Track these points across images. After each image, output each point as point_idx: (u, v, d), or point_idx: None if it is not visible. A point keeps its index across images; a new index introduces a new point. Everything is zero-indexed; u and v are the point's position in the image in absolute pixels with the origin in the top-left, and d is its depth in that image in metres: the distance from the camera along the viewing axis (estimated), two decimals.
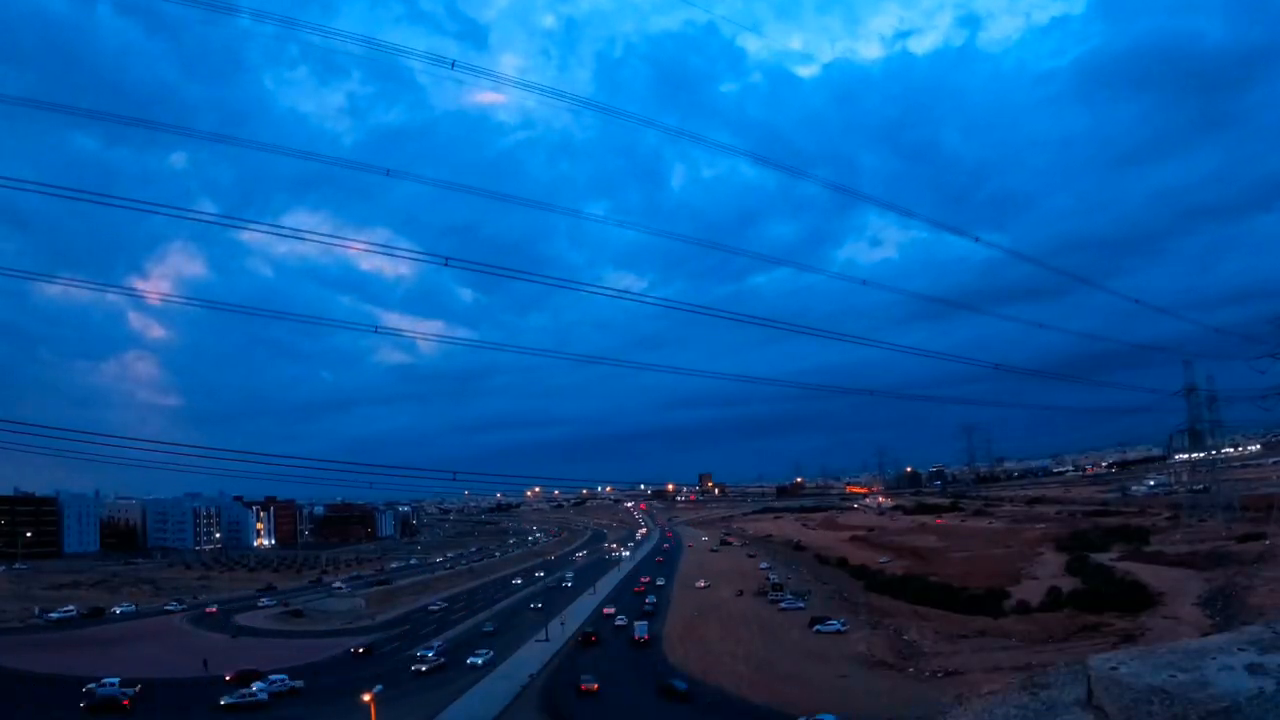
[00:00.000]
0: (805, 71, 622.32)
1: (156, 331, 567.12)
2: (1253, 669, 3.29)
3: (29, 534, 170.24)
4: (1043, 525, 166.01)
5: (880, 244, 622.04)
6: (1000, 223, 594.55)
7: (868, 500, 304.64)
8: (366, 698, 46.58)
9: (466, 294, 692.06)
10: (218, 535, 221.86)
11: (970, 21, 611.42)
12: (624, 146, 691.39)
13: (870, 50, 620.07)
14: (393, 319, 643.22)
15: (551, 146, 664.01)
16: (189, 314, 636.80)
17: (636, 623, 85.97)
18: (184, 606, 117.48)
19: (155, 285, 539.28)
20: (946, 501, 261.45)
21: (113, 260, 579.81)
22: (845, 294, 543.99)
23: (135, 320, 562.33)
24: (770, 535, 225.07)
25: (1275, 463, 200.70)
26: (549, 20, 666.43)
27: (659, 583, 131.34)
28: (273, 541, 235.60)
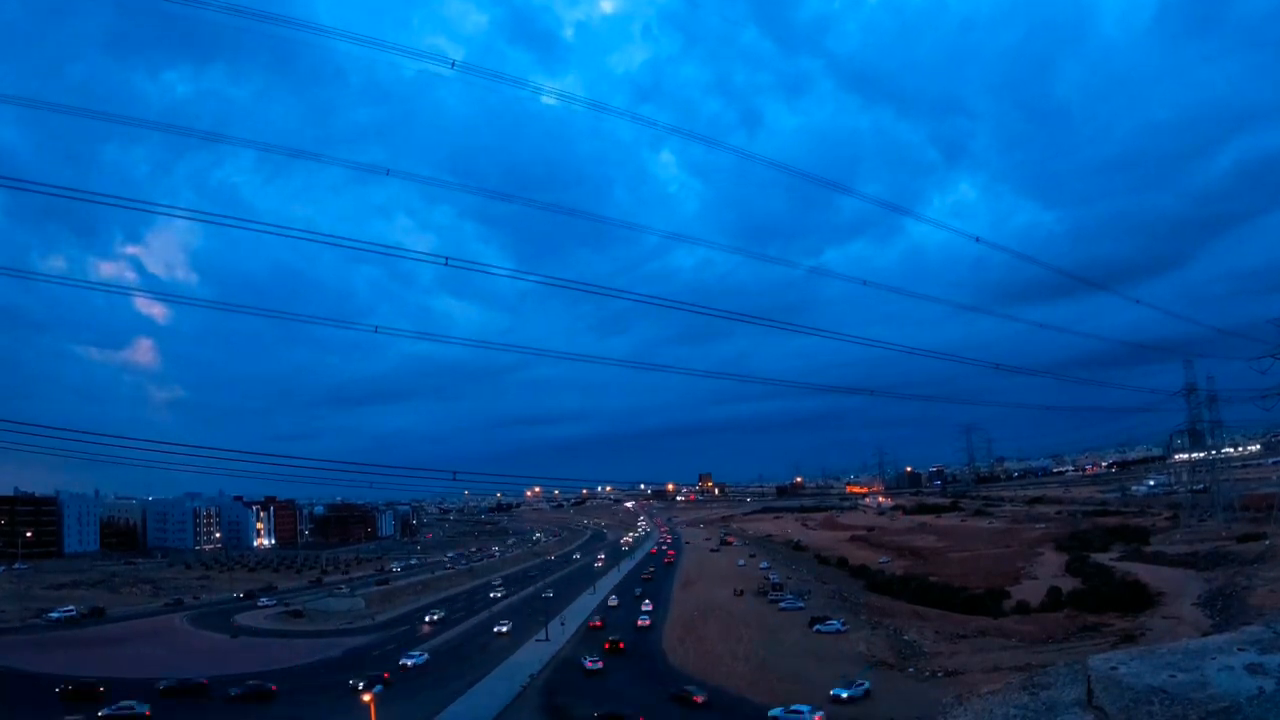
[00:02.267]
0: None
1: (160, 312, 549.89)
2: (1253, 669, 3.29)
3: (29, 534, 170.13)
4: (1043, 525, 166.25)
5: (961, 214, 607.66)
6: (1102, 187, 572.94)
7: (868, 500, 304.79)
8: (366, 698, 46.57)
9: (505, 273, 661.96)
10: (218, 535, 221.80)
11: None
12: (714, 83, 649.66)
13: None
14: (422, 299, 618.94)
15: (635, 85, 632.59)
16: (195, 294, 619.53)
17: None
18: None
19: (157, 254, 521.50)
20: (946, 501, 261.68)
21: (111, 222, 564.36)
22: (915, 271, 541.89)
23: (140, 302, 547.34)
24: (770, 535, 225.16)
25: (1275, 463, 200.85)
26: None
27: (658, 581, 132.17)
28: (273, 541, 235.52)
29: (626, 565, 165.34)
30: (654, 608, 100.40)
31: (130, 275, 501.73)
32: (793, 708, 51.07)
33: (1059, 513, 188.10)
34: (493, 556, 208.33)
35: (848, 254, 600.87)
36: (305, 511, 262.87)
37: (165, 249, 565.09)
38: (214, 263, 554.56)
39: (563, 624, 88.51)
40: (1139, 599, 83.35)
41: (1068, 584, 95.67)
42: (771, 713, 51.04)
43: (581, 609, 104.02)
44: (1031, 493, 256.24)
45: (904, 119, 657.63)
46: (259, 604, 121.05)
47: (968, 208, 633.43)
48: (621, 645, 75.48)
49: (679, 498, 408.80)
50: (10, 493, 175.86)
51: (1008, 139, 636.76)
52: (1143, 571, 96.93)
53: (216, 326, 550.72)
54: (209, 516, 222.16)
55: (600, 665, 67.57)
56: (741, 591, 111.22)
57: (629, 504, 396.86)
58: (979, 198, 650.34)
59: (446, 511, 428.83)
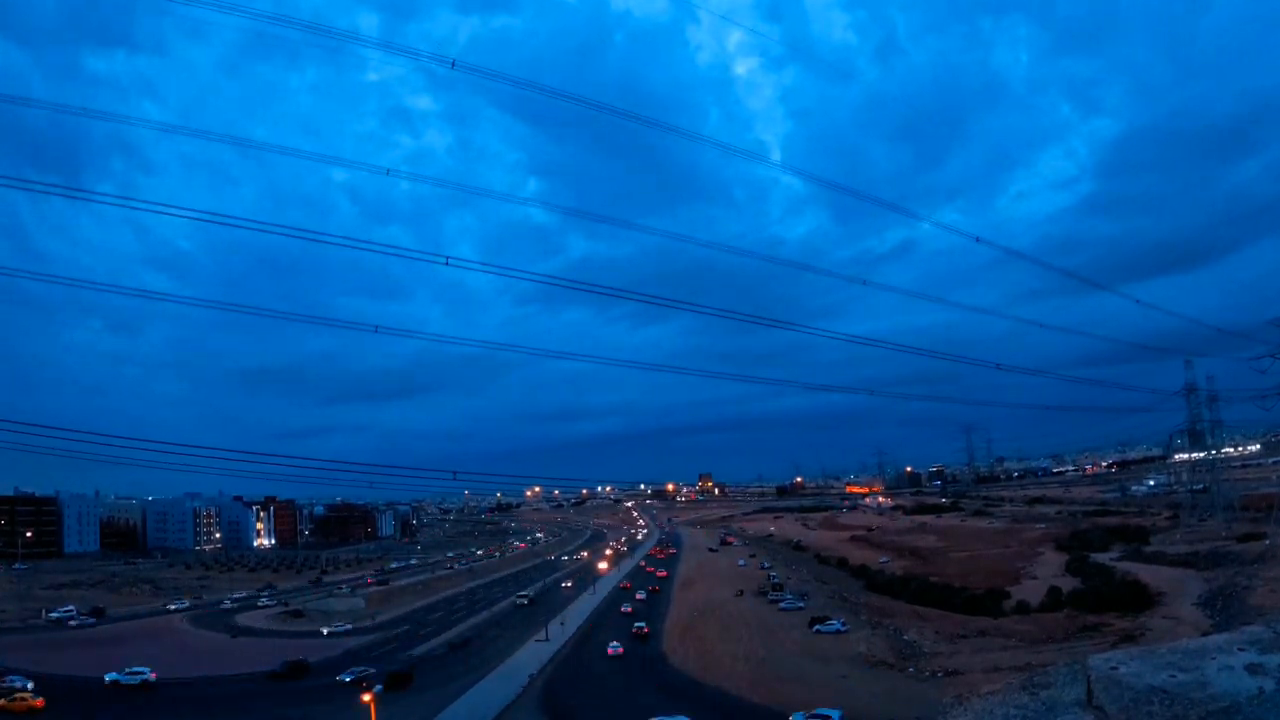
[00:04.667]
0: None
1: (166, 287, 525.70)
2: (1253, 669, 3.29)
3: (29, 534, 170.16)
4: (1043, 525, 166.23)
5: (1066, 175, 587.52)
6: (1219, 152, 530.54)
7: (868, 500, 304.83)
8: (366, 698, 46.40)
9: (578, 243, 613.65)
10: (218, 535, 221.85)
11: None
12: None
13: None
14: (455, 272, 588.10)
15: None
16: (199, 259, 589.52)
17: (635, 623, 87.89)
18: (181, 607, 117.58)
19: (155, 213, 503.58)
20: (946, 501, 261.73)
21: (105, 172, 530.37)
22: (1004, 242, 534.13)
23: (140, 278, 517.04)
24: (770, 535, 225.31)
25: (1275, 463, 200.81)
26: None
27: (658, 579, 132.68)
28: (272, 541, 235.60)
29: (627, 565, 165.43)
30: (653, 609, 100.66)
31: (126, 239, 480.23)
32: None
33: (1059, 513, 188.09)
34: (493, 557, 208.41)
35: (942, 221, 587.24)
36: (305, 511, 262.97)
37: (168, 200, 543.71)
38: (222, 226, 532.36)
39: (562, 624, 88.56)
40: (1139, 599, 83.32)
41: (1068, 584, 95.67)
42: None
43: (582, 609, 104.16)
44: (1031, 493, 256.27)
45: (1037, 53, 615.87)
46: (259, 604, 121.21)
47: (1079, 164, 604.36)
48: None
49: (679, 498, 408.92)
50: (10, 493, 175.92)
51: (1141, 89, 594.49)
52: (1143, 571, 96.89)
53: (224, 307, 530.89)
54: (209, 516, 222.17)
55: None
56: (741, 592, 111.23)
57: (629, 504, 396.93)
58: (1091, 154, 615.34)
59: (447, 511, 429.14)
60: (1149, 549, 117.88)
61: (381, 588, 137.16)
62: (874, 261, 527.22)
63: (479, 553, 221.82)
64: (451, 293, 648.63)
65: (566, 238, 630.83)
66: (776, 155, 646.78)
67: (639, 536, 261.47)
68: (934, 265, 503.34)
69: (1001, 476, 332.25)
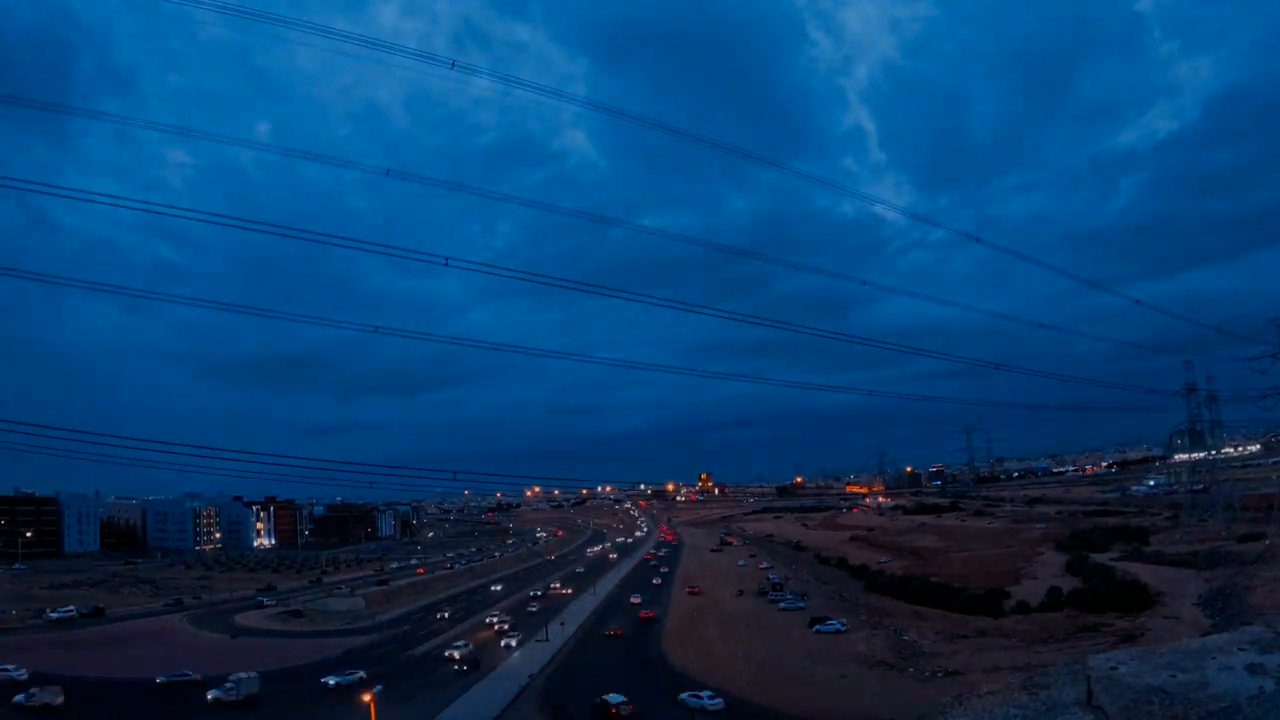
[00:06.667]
0: None
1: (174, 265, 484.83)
2: (1253, 669, 3.29)
3: (29, 534, 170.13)
4: (1043, 525, 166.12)
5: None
6: None
7: (868, 500, 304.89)
8: (366, 698, 46.54)
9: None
10: (218, 535, 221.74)
11: None
12: None
13: None
14: (490, 249, 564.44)
15: None
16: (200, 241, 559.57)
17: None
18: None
19: (155, 183, 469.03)
20: (946, 501, 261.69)
21: (94, 136, 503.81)
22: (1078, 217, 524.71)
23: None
24: (770, 535, 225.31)
25: (1275, 463, 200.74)
26: None
27: (658, 579, 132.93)
28: (272, 542, 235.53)
29: (626, 565, 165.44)
30: (655, 608, 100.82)
31: (119, 210, 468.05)
32: None
33: (1059, 513, 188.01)
34: (493, 557, 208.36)
35: (1031, 204, 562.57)
36: (305, 511, 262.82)
37: (168, 177, 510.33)
38: (232, 200, 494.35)
39: (563, 625, 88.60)
40: (1139, 599, 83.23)
41: (1068, 584, 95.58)
42: None
43: (581, 609, 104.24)
44: (1031, 493, 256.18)
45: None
46: (260, 604, 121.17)
47: (1183, 121, 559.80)
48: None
49: (679, 498, 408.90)
50: (10, 493, 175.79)
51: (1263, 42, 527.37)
52: (1143, 571, 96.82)
53: (238, 293, 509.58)
54: (209, 517, 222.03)
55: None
56: (742, 592, 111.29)
57: (629, 504, 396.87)
58: (1195, 114, 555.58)
59: (447, 511, 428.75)
60: (1149, 549, 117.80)
61: (381, 588, 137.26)
62: (954, 243, 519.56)
63: (474, 550, 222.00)
64: (485, 275, 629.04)
65: (632, 209, 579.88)
66: (871, 95, 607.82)
67: (639, 537, 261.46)
68: (1009, 245, 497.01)
69: (1001, 476, 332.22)
